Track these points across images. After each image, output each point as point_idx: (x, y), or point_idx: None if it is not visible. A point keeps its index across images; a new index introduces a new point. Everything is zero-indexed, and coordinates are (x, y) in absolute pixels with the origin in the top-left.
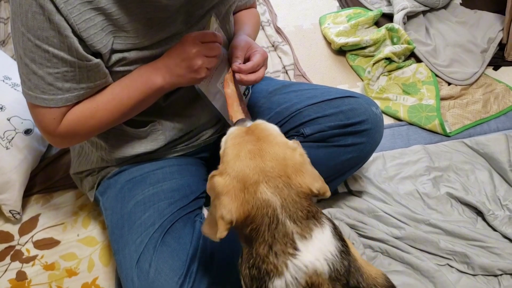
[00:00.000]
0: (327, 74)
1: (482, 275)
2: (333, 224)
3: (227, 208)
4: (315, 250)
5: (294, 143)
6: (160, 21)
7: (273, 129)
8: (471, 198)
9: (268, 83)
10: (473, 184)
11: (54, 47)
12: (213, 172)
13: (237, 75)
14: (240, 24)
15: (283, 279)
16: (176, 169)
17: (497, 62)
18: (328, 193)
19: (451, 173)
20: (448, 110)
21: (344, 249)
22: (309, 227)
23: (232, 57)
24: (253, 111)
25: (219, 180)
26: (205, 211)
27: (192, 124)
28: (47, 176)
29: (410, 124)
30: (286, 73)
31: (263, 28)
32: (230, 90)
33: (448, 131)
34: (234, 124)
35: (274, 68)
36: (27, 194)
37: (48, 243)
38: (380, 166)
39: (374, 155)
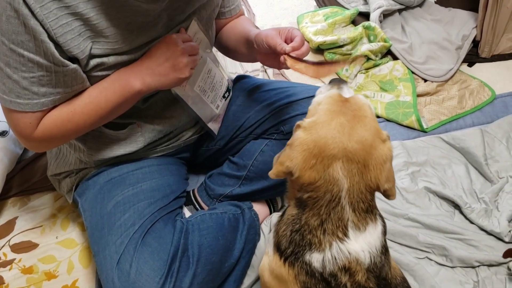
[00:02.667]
0: None
1: (460, 267)
2: (384, 222)
3: (293, 161)
4: (364, 243)
5: (386, 135)
6: (141, 25)
7: (370, 112)
8: (449, 192)
9: (248, 82)
10: (450, 178)
11: (30, 51)
12: (300, 123)
13: (293, 53)
14: (246, 30)
15: (322, 255)
16: (156, 169)
17: (471, 58)
18: (393, 197)
19: (429, 167)
20: (425, 106)
21: (385, 245)
22: (366, 220)
23: (276, 46)
24: (233, 109)
25: (300, 134)
26: (185, 211)
27: (172, 125)
28: (24, 179)
29: (388, 120)
30: (265, 72)
31: None
32: (302, 66)
33: (425, 126)
34: (330, 83)
35: (253, 67)
36: (4, 197)
37: (26, 246)
38: None
39: None
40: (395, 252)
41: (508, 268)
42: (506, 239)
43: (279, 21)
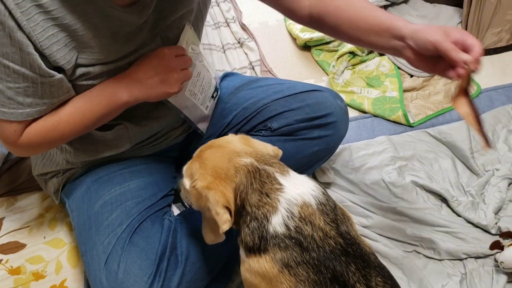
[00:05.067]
0: (293, 70)
1: (448, 259)
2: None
3: (216, 198)
4: (298, 185)
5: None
6: (126, 35)
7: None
8: (436, 186)
9: (235, 79)
10: (437, 172)
11: (15, 63)
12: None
13: (474, 66)
14: (383, 19)
15: (279, 214)
16: (143, 168)
17: None
18: (280, 152)
19: (416, 162)
20: (411, 101)
21: (326, 192)
22: (285, 168)
23: (450, 53)
24: (220, 106)
25: (198, 184)
26: (174, 209)
27: (159, 125)
28: (11, 179)
29: (375, 116)
30: (253, 69)
31: (228, 25)
32: (466, 110)
33: (411, 121)
34: None
35: (240, 64)
36: None
37: (13, 247)
38: (347, 158)
39: (340, 147)
40: (384, 246)
41: (495, 260)
42: (493, 231)
43: (266, 19)
